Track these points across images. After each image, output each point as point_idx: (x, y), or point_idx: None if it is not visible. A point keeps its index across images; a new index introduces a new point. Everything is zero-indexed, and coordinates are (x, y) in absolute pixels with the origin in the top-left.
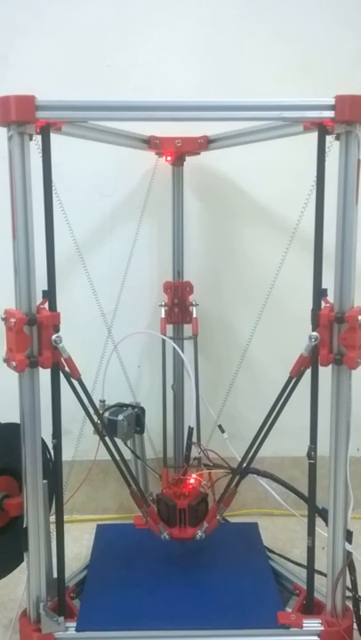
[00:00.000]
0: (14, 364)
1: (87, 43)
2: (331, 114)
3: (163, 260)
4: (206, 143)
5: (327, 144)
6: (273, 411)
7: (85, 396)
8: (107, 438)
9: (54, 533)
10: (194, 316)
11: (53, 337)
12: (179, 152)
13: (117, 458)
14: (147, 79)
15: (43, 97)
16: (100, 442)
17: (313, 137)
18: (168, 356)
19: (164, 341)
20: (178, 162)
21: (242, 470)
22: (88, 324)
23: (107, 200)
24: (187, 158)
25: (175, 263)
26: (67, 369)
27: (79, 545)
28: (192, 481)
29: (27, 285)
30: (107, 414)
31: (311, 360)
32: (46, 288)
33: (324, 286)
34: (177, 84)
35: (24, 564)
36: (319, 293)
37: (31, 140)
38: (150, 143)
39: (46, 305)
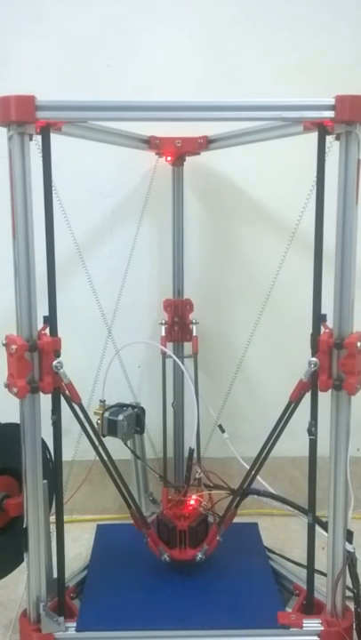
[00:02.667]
0: (15, 390)
1: (87, 43)
2: (331, 114)
3: (162, 259)
4: (206, 143)
5: (327, 144)
6: (273, 434)
7: (85, 419)
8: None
9: (54, 533)
10: (194, 334)
11: (54, 363)
12: (179, 152)
13: (119, 481)
14: (147, 79)
15: (43, 97)
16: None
17: (313, 137)
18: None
19: (164, 359)
20: (178, 162)
21: (242, 492)
22: (88, 324)
23: (107, 200)
24: (187, 158)
25: (175, 281)
26: (67, 393)
27: (79, 545)
28: (192, 502)
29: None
30: (107, 414)
31: (311, 385)
32: (46, 288)
33: (324, 287)
34: (177, 84)
35: (24, 564)
36: (318, 319)
37: (31, 140)
38: (150, 143)
39: (47, 330)
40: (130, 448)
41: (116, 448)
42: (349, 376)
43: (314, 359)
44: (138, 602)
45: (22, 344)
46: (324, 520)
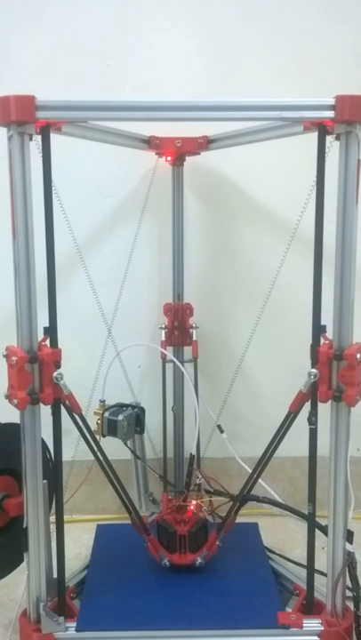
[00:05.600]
0: (16, 401)
1: (87, 43)
2: (331, 114)
3: (162, 259)
4: (206, 143)
5: (327, 144)
6: (272, 443)
7: (86, 428)
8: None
9: (54, 533)
10: (194, 338)
11: (55, 374)
12: (179, 152)
13: (118, 487)
14: (147, 79)
15: (43, 97)
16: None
17: (313, 137)
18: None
19: (164, 363)
20: (178, 162)
21: (241, 498)
22: (88, 324)
23: (107, 200)
24: (187, 158)
25: (175, 285)
26: (68, 403)
27: (79, 545)
28: (192, 507)
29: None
30: (107, 414)
31: (310, 396)
32: (46, 291)
33: (324, 291)
34: (177, 84)
35: (24, 564)
36: (318, 330)
37: (31, 140)
38: (150, 143)
39: (47, 341)
40: (130, 448)
41: (116, 448)
42: (349, 387)
43: (314, 370)
44: (138, 602)
45: (23, 356)
46: (324, 524)
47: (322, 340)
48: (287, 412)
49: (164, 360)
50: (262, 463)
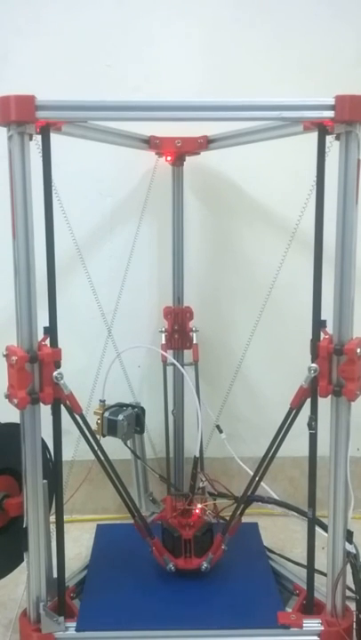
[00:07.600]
0: (16, 401)
1: (87, 43)
2: (331, 114)
3: (162, 259)
4: (206, 143)
5: (327, 144)
6: (275, 440)
7: (87, 428)
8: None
9: (54, 533)
10: (194, 342)
11: (55, 373)
12: (179, 152)
13: (122, 490)
14: (147, 79)
15: (43, 97)
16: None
17: (313, 137)
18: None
19: (165, 367)
20: (178, 162)
21: (246, 499)
22: (88, 324)
23: (107, 200)
24: (187, 158)
25: (175, 289)
26: (68, 403)
27: (79, 545)
28: (197, 511)
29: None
30: (107, 414)
31: (311, 391)
32: (46, 291)
33: (324, 290)
34: (177, 84)
35: (24, 564)
36: (318, 325)
37: (31, 139)
38: (150, 143)
39: (47, 341)
40: (130, 448)
41: (116, 448)
42: (349, 382)
43: (314, 365)
44: (138, 602)
45: (23, 355)
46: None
47: (322, 335)
48: (288, 408)
49: (165, 363)
50: (265, 461)
